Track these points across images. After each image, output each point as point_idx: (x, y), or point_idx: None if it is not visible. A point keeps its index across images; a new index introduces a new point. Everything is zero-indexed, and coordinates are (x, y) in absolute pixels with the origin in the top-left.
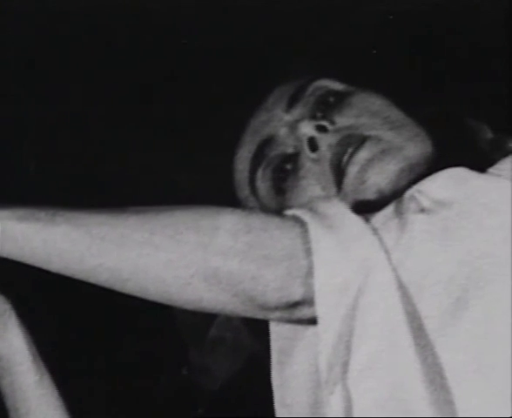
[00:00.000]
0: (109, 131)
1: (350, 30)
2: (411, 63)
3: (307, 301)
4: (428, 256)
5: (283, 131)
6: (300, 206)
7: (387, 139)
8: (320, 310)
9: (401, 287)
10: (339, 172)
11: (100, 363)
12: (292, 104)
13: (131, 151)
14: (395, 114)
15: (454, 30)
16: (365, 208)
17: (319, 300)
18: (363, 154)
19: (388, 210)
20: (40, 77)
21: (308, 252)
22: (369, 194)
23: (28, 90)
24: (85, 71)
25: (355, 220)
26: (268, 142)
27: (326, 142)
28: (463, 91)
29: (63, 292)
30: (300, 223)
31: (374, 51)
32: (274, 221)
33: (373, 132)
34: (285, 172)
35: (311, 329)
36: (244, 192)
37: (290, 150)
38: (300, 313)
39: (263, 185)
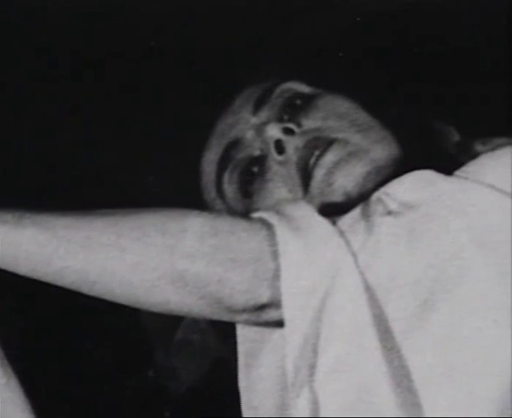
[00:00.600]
0: (76, 133)
1: (316, 33)
2: (378, 65)
3: (274, 304)
4: (395, 258)
5: (250, 134)
6: (267, 209)
7: (354, 142)
8: (287, 312)
9: (368, 290)
10: (305, 175)
11: (66, 365)
12: (259, 106)
13: (97, 153)
14: (362, 117)
15: (421, 30)
16: (332, 211)
17: (286, 302)
18: (330, 157)
19: (355, 212)
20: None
21: (275, 254)
22: (336, 197)
23: None
24: (51, 72)
25: (322, 223)
26: (235, 145)
27: (292, 145)
28: (431, 92)
29: (28, 294)
30: (267, 225)
31: (341, 54)
32: (241, 224)
33: (340, 135)
34: (251, 175)
35: (278, 332)
36: (211, 194)
37: (257, 152)
38: (267, 315)
39: (230, 187)
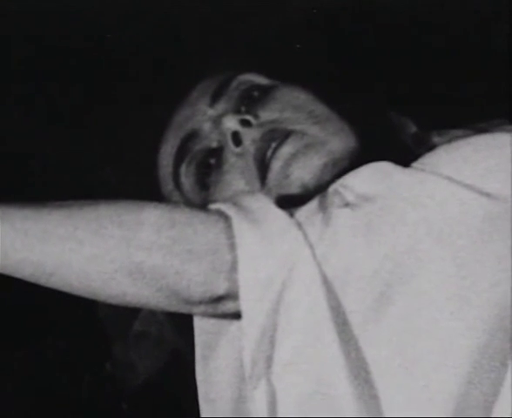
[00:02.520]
0: (33, 127)
1: (273, 24)
2: (335, 57)
3: (232, 296)
4: (352, 251)
5: (207, 126)
6: (225, 201)
7: (311, 134)
8: (244, 304)
9: (326, 282)
10: (263, 167)
11: (22, 359)
12: (216, 98)
13: (54, 147)
14: (319, 108)
15: (379, 22)
16: (289, 203)
17: (243, 294)
18: (287, 149)
19: (312, 204)
20: None
21: (232, 246)
22: (293, 189)
23: None
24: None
25: (279, 215)
26: (192, 137)
27: (249, 136)
28: (389, 85)
29: None
30: (224, 218)
31: (298, 45)
32: (198, 216)
33: (297, 127)
34: (209, 167)
35: (235, 324)
36: (168, 187)
37: (214, 144)
38: (225, 307)
39: (187, 180)
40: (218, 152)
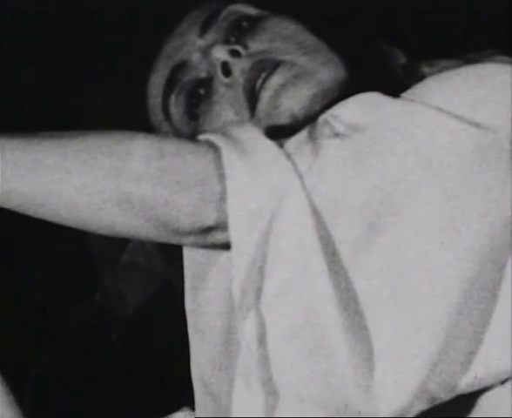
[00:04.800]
0: (24, 58)
1: None
2: None
3: (221, 226)
4: (342, 181)
5: (196, 56)
6: (214, 132)
7: (301, 64)
8: (234, 235)
9: (315, 213)
10: (252, 98)
11: (11, 289)
12: (205, 28)
13: (43, 79)
14: (309, 39)
15: None
16: (278, 133)
17: (232, 225)
18: (276, 79)
19: (302, 135)
20: None
21: (221, 177)
22: (283, 119)
23: None
24: None
25: (269, 145)
26: (181, 67)
27: (239, 67)
28: (378, 16)
29: None
30: (214, 148)
31: None
32: (187, 146)
33: (286, 57)
34: (198, 98)
35: (225, 254)
36: (157, 117)
37: (203, 75)
38: (214, 238)
39: (176, 110)
40: (207, 83)
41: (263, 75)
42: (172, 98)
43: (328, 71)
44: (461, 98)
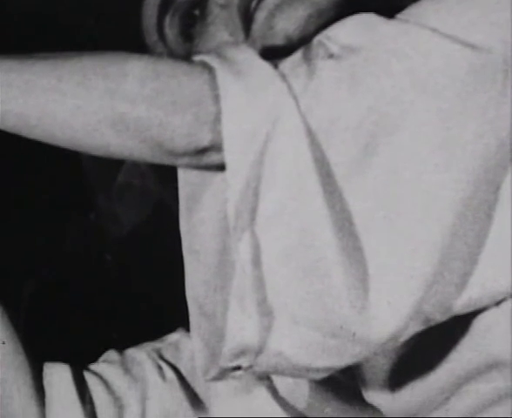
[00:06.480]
0: None
1: None
2: None
3: (215, 147)
4: (336, 102)
5: None
6: (209, 52)
7: None
8: (228, 156)
9: (310, 134)
10: (247, 18)
11: (6, 206)
12: None
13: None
14: None
15: None
16: (273, 54)
17: (227, 146)
18: None
19: (297, 56)
20: None
21: (216, 98)
22: (277, 40)
23: None
24: None
25: (264, 66)
26: None
27: None
28: None
29: None
30: (209, 69)
31: None
32: (182, 67)
33: None
34: (193, 18)
35: (219, 175)
36: (152, 38)
37: None
38: (208, 159)
39: (171, 31)
40: (202, 3)
41: None
42: (167, 19)
43: None
44: (457, 19)
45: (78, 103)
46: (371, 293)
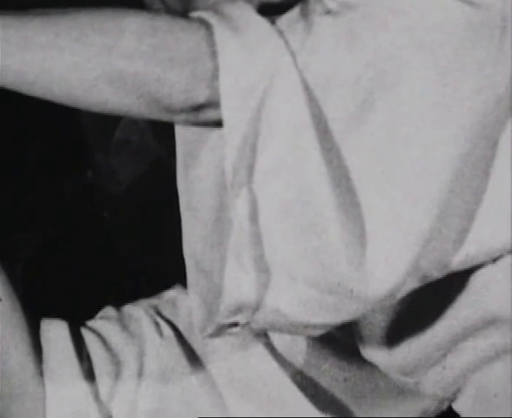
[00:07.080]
0: None
1: None
2: None
3: (213, 104)
4: (334, 58)
5: None
6: (206, 9)
7: None
8: (226, 113)
9: (307, 90)
10: None
11: (4, 165)
12: None
13: None
14: None
15: None
16: (270, 11)
17: (224, 102)
18: None
19: (294, 12)
20: None
21: (214, 54)
22: None
23: None
24: None
25: (261, 23)
26: None
27: None
28: None
29: None
30: (206, 25)
31: None
32: (180, 23)
33: None
34: None
35: (216, 132)
36: None
37: None
38: (206, 115)
39: None
40: None
41: None
42: None
43: None
44: None
45: (76, 59)
46: (368, 250)
